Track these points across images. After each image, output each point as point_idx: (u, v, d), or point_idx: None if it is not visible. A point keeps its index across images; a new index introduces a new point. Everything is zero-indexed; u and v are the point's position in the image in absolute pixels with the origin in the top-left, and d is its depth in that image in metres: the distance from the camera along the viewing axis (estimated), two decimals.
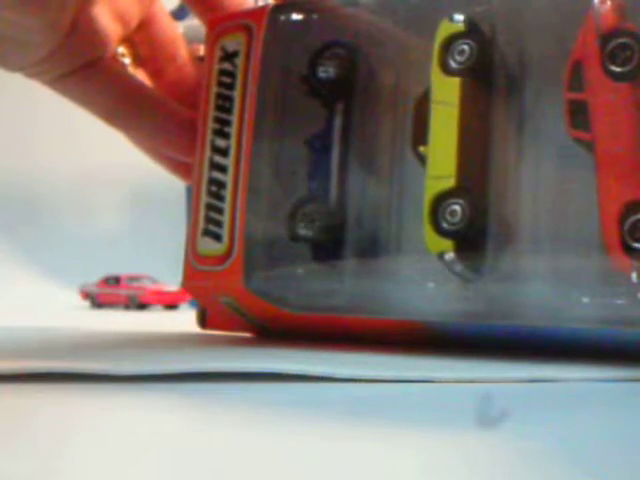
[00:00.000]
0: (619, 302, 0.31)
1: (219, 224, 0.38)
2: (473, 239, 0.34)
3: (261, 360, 0.32)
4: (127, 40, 0.42)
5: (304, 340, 0.36)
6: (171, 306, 1.00)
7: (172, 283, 0.94)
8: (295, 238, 0.37)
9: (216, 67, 0.39)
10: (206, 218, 0.38)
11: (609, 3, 0.32)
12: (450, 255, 0.33)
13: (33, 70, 0.39)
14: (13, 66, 0.38)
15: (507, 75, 0.35)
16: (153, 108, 0.41)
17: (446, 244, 0.34)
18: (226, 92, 0.39)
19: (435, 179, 0.34)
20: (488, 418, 0.22)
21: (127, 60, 0.42)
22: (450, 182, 0.34)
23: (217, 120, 0.39)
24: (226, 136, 0.38)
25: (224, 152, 0.38)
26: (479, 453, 0.19)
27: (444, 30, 0.35)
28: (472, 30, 0.35)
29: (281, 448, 0.19)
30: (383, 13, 0.38)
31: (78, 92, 0.40)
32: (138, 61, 0.42)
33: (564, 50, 0.33)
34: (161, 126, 0.42)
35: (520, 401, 0.25)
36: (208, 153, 0.39)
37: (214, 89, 0.39)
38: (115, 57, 0.41)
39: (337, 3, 0.39)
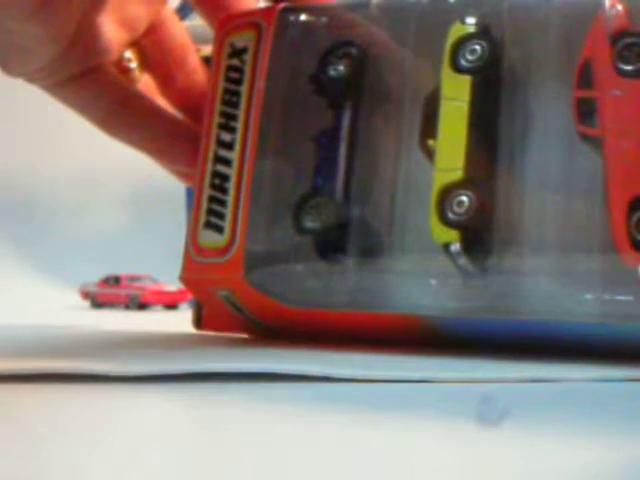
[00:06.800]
0: (625, 297, 0.31)
1: (221, 216, 0.38)
2: (479, 231, 0.34)
3: (261, 360, 0.32)
4: (134, 44, 0.41)
5: (304, 340, 0.36)
6: (171, 306, 1.00)
7: (172, 283, 0.94)
8: (302, 231, 0.37)
9: (224, 63, 0.40)
10: (208, 210, 0.38)
11: (618, 5, 0.33)
12: (456, 246, 0.34)
13: (34, 76, 0.39)
14: (15, 72, 0.38)
15: (516, 74, 0.35)
16: (148, 118, 0.41)
17: (452, 234, 0.34)
18: (233, 87, 0.39)
19: (443, 172, 0.34)
20: (488, 418, 0.22)
21: (133, 65, 0.42)
22: (458, 174, 0.34)
23: (223, 114, 0.39)
24: (232, 130, 0.39)
25: (229, 146, 0.38)
26: (479, 453, 0.19)
27: (456, 32, 0.35)
28: (483, 32, 0.35)
29: (281, 448, 0.19)
30: (392, 18, 0.38)
31: (74, 98, 0.40)
32: (146, 66, 0.42)
33: (571, 50, 0.34)
34: (156, 137, 0.42)
35: (520, 401, 0.25)
36: (213, 146, 0.39)
37: (221, 84, 0.39)
38: (117, 64, 0.41)
39: (346, 8, 0.39)
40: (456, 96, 0.35)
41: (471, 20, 0.36)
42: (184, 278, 0.39)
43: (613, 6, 0.33)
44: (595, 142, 0.33)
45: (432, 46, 0.36)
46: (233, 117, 0.39)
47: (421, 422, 0.22)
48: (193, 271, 0.39)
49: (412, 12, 0.38)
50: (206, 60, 0.42)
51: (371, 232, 0.37)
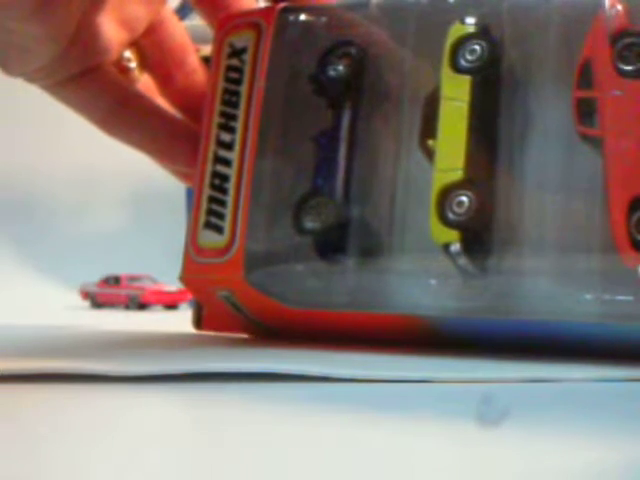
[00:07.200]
0: (625, 297, 0.31)
1: (221, 217, 0.38)
2: (479, 231, 0.34)
3: (261, 360, 0.32)
4: (134, 44, 0.41)
5: (304, 340, 0.36)
6: (171, 306, 1.00)
7: (172, 283, 0.94)
8: (301, 231, 0.37)
9: (224, 63, 0.40)
10: (208, 211, 0.38)
11: (618, 5, 0.33)
12: (456, 246, 0.34)
13: (34, 76, 0.39)
14: (14, 72, 0.38)
15: (515, 74, 0.35)
16: (148, 118, 0.41)
17: (452, 235, 0.34)
18: (233, 87, 0.39)
19: (443, 172, 0.34)
20: (488, 418, 0.22)
21: (133, 64, 0.42)
22: (458, 174, 0.34)
23: (223, 114, 0.39)
24: (231, 130, 0.39)
25: (229, 146, 0.38)
26: (479, 453, 0.19)
27: (455, 32, 0.35)
28: (483, 32, 0.35)
29: (281, 448, 0.19)
30: (391, 18, 0.38)
31: (74, 98, 0.40)
32: (145, 66, 0.42)
33: (571, 50, 0.34)
34: (155, 137, 0.42)
35: (520, 401, 0.25)
36: (212, 146, 0.39)
37: (221, 84, 0.39)
38: (116, 63, 0.41)
39: (346, 8, 0.39)
40: (456, 96, 0.35)
41: (471, 20, 0.36)
42: (184, 278, 0.39)
43: (613, 6, 0.33)
44: (595, 142, 0.33)
45: (432, 46, 0.36)
46: (233, 117, 0.39)
47: (421, 422, 0.22)
48: (193, 271, 0.39)
49: (412, 12, 0.38)
50: (206, 60, 0.42)
51: (371, 232, 0.37)
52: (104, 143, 0.45)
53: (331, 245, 0.37)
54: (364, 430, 0.21)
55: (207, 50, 0.43)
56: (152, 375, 0.28)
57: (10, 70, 0.38)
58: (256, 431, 0.21)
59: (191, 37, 0.43)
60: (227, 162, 0.38)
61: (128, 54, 0.42)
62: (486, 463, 0.18)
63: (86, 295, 1.06)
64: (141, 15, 0.40)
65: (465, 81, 0.35)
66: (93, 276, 1.06)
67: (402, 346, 0.35)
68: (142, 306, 1.01)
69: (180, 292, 0.95)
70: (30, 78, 0.39)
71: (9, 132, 1.27)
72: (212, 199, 0.38)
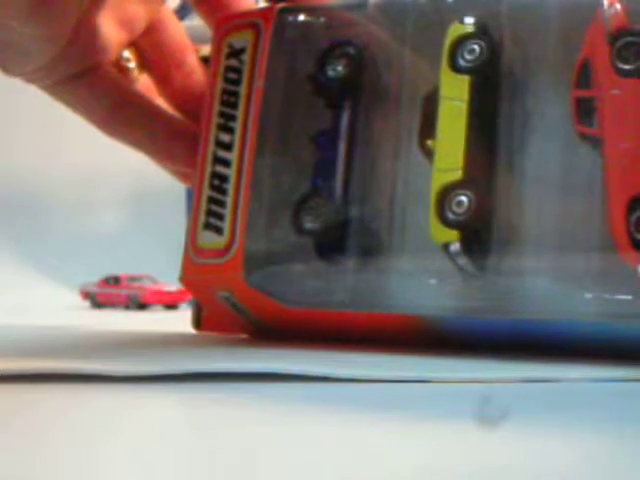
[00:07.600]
0: (625, 296, 0.31)
1: (221, 217, 0.38)
2: (478, 231, 0.34)
3: (261, 360, 0.32)
4: (133, 44, 0.41)
5: (304, 340, 0.36)
6: (171, 306, 1.00)
7: (172, 283, 0.94)
8: (301, 232, 0.37)
9: (223, 63, 0.40)
10: (207, 211, 0.38)
11: (617, 4, 0.33)
12: (455, 246, 0.34)
13: (33, 76, 0.39)
14: (13, 71, 0.38)
15: (514, 74, 0.35)
16: (147, 118, 0.41)
17: (451, 234, 0.34)
18: (232, 88, 0.39)
19: (442, 172, 0.34)
20: (488, 418, 0.22)
21: (132, 64, 0.42)
22: (457, 174, 0.34)
23: (222, 115, 0.39)
24: (230, 131, 0.39)
25: (228, 146, 0.39)
26: (479, 453, 0.19)
27: (454, 31, 0.35)
28: (482, 32, 0.35)
29: (281, 448, 0.19)
30: (390, 17, 0.38)
31: (73, 98, 0.40)
32: (144, 66, 0.42)
33: (570, 50, 0.34)
34: (154, 137, 0.42)
35: (520, 401, 0.25)
36: (211, 147, 0.39)
37: (220, 85, 0.39)
38: (115, 63, 0.41)
39: (344, 8, 0.40)
40: (455, 96, 0.35)
41: (470, 20, 0.36)
42: (184, 279, 0.39)
43: (612, 5, 0.33)
44: (594, 141, 0.33)
45: (431, 46, 0.36)
46: (232, 118, 0.39)
47: (421, 422, 0.22)
48: (193, 272, 0.39)
49: (410, 12, 0.38)
50: (205, 60, 0.42)
51: (371, 232, 0.37)
52: (104, 143, 0.45)
53: (331, 245, 0.37)
54: (364, 430, 0.21)
55: (206, 50, 0.43)
56: (152, 375, 0.28)
57: (9, 70, 0.38)
58: (256, 431, 0.21)
59: (190, 37, 0.43)
60: (226, 163, 0.38)
61: (127, 54, 0.42)
62: (486, 463, 0.18)
63: (86, 295, 1.06)
64: (140, 15, 0.40)
65: (464, 81, 0.35)
66: (93, 276, 1.06)
67: (402, 346, 0.35)
68: (142, 306, 1.01)
69: (180, 292, 0.95)
70: (29, 78, 0.39)
71: (9, 132, 1.27)
72: (211, 200, 0.38)
